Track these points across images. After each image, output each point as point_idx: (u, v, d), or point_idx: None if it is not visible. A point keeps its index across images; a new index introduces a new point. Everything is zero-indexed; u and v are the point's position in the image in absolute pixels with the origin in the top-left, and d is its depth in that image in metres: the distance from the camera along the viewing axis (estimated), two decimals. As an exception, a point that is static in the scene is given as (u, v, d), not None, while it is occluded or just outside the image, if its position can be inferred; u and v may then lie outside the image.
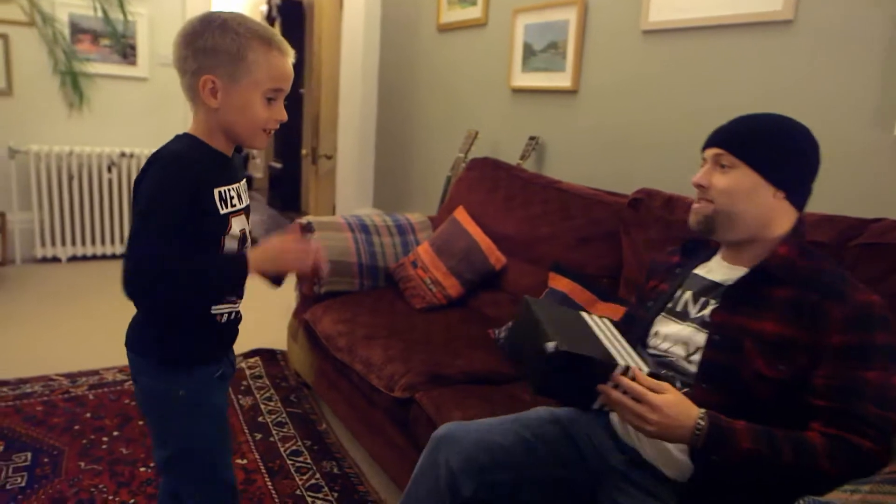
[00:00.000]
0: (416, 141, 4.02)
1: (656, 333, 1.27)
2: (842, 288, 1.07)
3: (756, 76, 1.92)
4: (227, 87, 1.03)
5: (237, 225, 1.10)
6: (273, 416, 2.19)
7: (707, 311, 1.18)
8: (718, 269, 1.24)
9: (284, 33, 5.90)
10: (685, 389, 1.13)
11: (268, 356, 2.66)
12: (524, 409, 1.52)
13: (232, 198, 1.09)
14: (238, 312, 1.19)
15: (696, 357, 1.15)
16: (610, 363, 1.03)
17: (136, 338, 1.14)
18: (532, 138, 2.79)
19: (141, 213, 0.99)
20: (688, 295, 1.25)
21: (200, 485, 1.17)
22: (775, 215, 1.17)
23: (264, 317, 2.64)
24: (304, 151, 3.85)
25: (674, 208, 1.77)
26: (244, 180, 1.17)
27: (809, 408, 1.05)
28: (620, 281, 1.87)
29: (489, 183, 2.38)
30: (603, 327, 1.16)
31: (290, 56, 1.08)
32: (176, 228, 0.99)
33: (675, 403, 1.01)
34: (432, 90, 3.72)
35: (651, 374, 1.05)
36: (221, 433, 1.19)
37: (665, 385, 1.03)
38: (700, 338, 1.16)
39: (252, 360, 2.65)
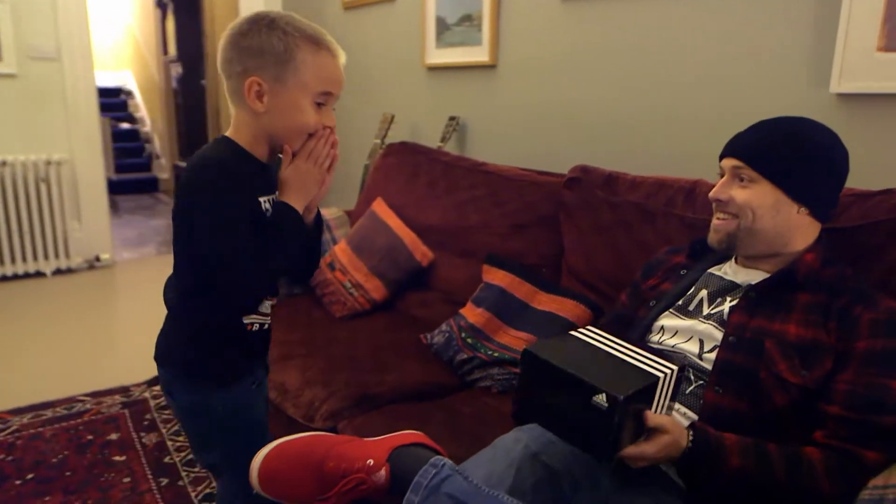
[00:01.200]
0: (339, 128, 3.78)
1: (661, 329, 1.18)
2: (870, 293, 1.03)
3: (687, 40, 1.78)
4: (273, 90, 0.98)
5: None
6: (182, 455, 1.91)
7: (725, 308, 1.10)
8: (737, 271, 1.17)
9: (177, 18, 5.46)
10: (699, 383, 1.06)
11: (176, 381, 2.36)
12: (465, 425, 1.34)
13: (267, 210, 1.04)
14: (268, 324, 1.15)
15: (713, 356, 1.07)
16: (653, 382, 0.91)
17: (167, 353, 1.13)
18: (452, 119, 2.64)
19: (210, 226, 0.95)
20: (703, 294, 1.17)
21: (246, 490, 1.09)
22: (798, 231, 1.10)
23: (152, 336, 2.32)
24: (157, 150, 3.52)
25: (615, 187, 1.61)
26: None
27: (819, 415, 0.96)
28: (562, 269, 1.71)
29: (408, 169, 2.16)
30: (610, 342, 1.00)
31: (341, 57, 1.02)
32: (239, 231, 0.96)
33: (670, 443, 0.93)
34: (349, 73, 3.45)
35: (680, 372, 0.96)
36: (263, 441, 1.10)
37: (664, 423, 0.93)
38: (718, 335, 1.08)
39: (156, 387, 2.34)
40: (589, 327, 1.04)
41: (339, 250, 2.07)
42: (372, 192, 2.27)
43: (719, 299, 1.14)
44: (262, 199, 1.03)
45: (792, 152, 1.07)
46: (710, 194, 1.14)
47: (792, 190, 1.07)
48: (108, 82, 6.83)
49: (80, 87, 3.56)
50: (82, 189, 3.66)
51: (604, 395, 0.85)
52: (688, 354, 1.11)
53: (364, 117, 3.34)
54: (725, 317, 1.10)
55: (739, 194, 1.10)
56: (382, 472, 0.92)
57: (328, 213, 2.33)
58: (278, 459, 0.98)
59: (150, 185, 6.37)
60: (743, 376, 1.02)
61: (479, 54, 2.53)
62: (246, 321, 1.09)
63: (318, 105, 1.01)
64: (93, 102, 3.64)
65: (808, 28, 1.54)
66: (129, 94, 6.95)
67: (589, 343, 0.99)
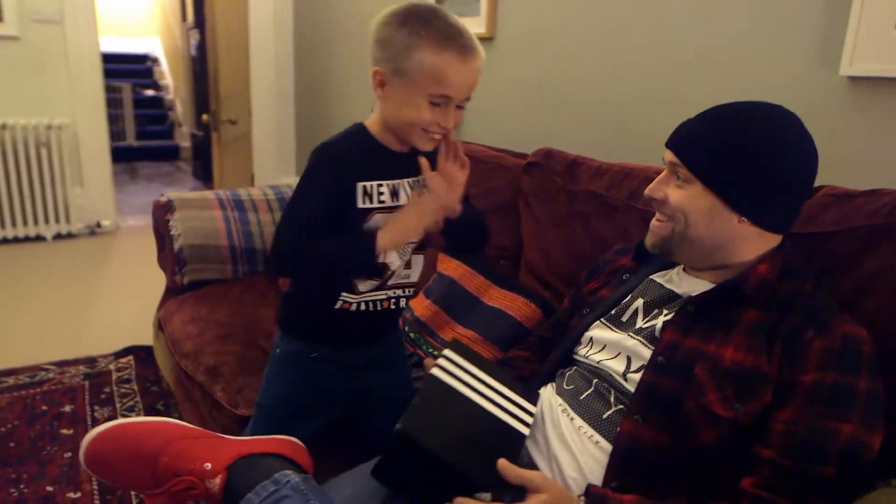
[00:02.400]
0: (335, 101, 3.72)
1: (590, 340, 1.04)
2: (826, 315, 0.86)
3: (689, 15, 1.61)
4: (391, 82, 1.01)
5: (381, 221, 1.05)
6: (129, 432, 1.86)
7: (658, 323, 0.95)
8: (681, 279, 1.01)
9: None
10: (619, 407, 0.92)
11: (144, 355, 2.31)
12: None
13: (381, 193, 1.05)
14: (378, 303, 1.12)
15: (638, 377, 0.92)
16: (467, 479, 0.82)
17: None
18: None
19: (290, 197, 1.06)
20: (638, 303, 1.01)
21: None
22: (743, 242, 0.93)
23: (145, 306, 2.27)
24: (204, 117, 3.44)
25: (576, 174, 1.45)
26: (415, 177, 1.08)
27: (751, 458, 0.81)
28: (521, 263, 1.56)
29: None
30: (478, 379, 0.92)
31: (472, 61, 0.99)
32: (312, 218, 1.01)
33: (550, 502, 0.80)
34: (348, 43, 3.38)
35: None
36: (286, 405, 1.16)
37: (537, 480, 0.82)
38: (646, 353, 0.93)
39: (125, 359, 2.30)
40: (453, 353, 0.94)
41: (302, 229, 1.96)
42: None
43: (655, 311, 0.99)
44: (366, 184, 1.04)
45: (730, 154, 0.89)
46: (646, 190, 0.98)
47: (728, 198, 0.90)
48: (135, 48, 6.86)
49: (84, 52, 3.52)
50: (84, 154, 3.64)
51: (489, 494, 0.80)
52: (612, 373, 0.96)
53: (359, 90, 3.23)
54: (658, 333, 0.94)
55: (674, 194, 0.93)
56: (217, 479, 0.82)
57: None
58: (112, 442, 0.88)
59: (172, 153, 6.40)
60: (667, 405, 0.87)
61: (477, 25, 2.38)
62: (342, 298, 1.09)
63: (435, 104, 0.99)
64: (96, 67, 3.60)
65: (817, 2, 1.36)
66: (154, 60, 6.96)
67: (461, 398, 0.89)
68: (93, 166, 3.69)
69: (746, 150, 0.88)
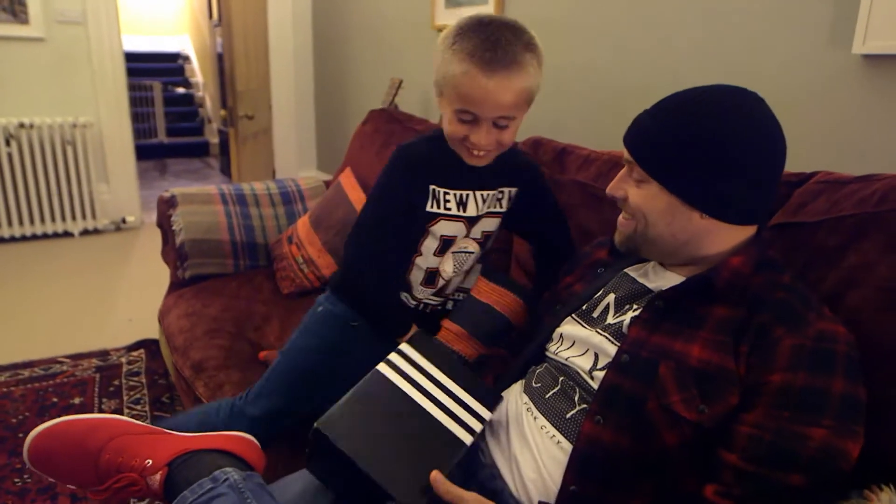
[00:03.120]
0: (351, 94, 3.72)
1: (560, 337, 0.99)
2: (800, 310, 0.80)
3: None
4: (438, 95, 1.03)
5: (445, 228, 1.10)
6: (133, 424, 1.89)
7: (626, 319, 0.90)
8: (656, 274, 0.96)
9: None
10: (583, 407, 0.87)
11: (154, 348, 2.35)
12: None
13: (447, 201, 1.08)
14: (434, 306, 1.20)
15: (603, 374, 0.87)
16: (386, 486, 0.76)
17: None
18: None
19: (371, 191, 1.12)
20: (610, 299, 0.97)
21: (261, 383, 1.18)
22: (710, 236, 0.88)
23: (161, 300, 2.30)
24: (221, 112, 3.49)
25: (565, 164, 1.40)
26: (490, 192, 1.12)
27: (715, 463, 0.76)
28: (511, 257, 1.52)
29: (382, 138, 2.00)
30: (428, 376, 0.88)
31: (498, 77, 0.95)
32: (386, 217, 1.06)
33: None
34: (362, 37, 3.38)
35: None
36: (307, 361, 1.17)
37: (470, 501, 0.75)
38: (611, 350, 0.88)
39: (136, 353, 2.34)
40: (409, 347, 0.89)
41: (301, 223, 1.96)
42: (346, 161, 2.14)
43: (626, 306, 0.94)
44: (437, 188, 1.07)
45: (681, 148, 0.83)
46: (607, 189, 0.93)
47: (685, 195, 0.84)
48: (167, 47, 7.00)
49: (106, 52, 3.59)
50: (109, 152, 3.73)
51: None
52: (578, 371, 0.92)
53: (374, 82, 3.21)
54: (625, 329, 0.89)
55: (633, 194, 0.89)
56: (158, 476, 0.80)
57: (304, 183, 2.22)
58: (56, 438, 0.88)
59: (202, 149, 6.51)
60: (628, 406, 0.82)
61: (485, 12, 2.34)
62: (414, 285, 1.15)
63: (464, 121, 1.00)
64: (119, 66, 3.67)
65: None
66: (186, 58, 7.09)
67: (402, 398, 0.84)
68: (117, 163, 3.77)
69: (697, 141, 0.82)
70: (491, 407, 0.88)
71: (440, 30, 2.64)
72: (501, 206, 1.17)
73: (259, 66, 3.83)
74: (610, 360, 0.87)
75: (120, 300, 2.91)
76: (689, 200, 0.85)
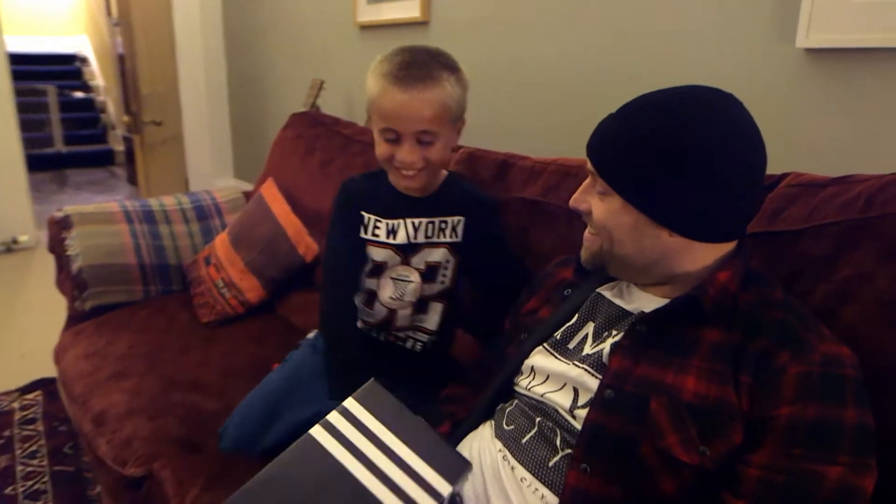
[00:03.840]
0: (270, 96, 3.51)
1: (531, 370, 0.88)
2: (801, 332, 0.71)
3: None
4: (368, 122, 1.18)
5: (375, 254, 1.13)
6: (29, 483, 1.63)
7: (605, 347, 0.80)
8: (632, 293, 0.86)
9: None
10: (567, 452, 0.77)
11: (53, 388, 2.07)
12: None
13: (377, 228, 1.12)
14: (390, 341, 1.19)
15: (585, 413, 0.76)
16: None
17: None
18: None
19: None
20: (589, 328, 0.86)
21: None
22: (683, 253, 0.78)
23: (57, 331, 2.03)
24: (124, 118, 3.19)
25: (507, 178, 1.27)
26: (423, 219, 1.13)
27: None
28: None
29: (306, 144, 1.83)
30: (375, 441, 0.71)
31: (414, 91, 1.00)
32: (337, 247, 1.16)
33: None
34: (279, 35, 3.18)
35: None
36: (288, 382, 1.17)
37: None
38: (593, 384, 0.78)
39: (31, 395, 2.05)
40: (356, 404, 0.73)
41: (219, 241, 1.76)
42: (267, 170, 1.95)
43: (605, 333, 0.83)
44: (367, 215, 1.12)
45: (644, 158, 0.74)
46: (570, 201, 0.84)
47: (651, 212, 0.76)
48: (61, 48, 6.45)
49: (-14, 52, 3.20)
50: (-6, 165, 3.33)
51: None
52: (557, 408, 0.80)
53: (294, 83, 3.02)
54: (605, 358, 0.79)
55: (596, 208, 0.81)
56: None
57: (221, 195, 2.01)
58: None
59: (105, 158, 6.03)
60: (618, 450, 0.72)
61: (410, 9, 2.21)
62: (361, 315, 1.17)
63: (389, 140, 1.03)
64: (2, 69, 3.28)
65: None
66: (83, 60, 6.56)
67: (337, 471, 0.68)
68: (4, 176, 3.38)
69: (665, 150, 0.73)
70: (454, 479, 0.71)
71: (363, 27, 2.49)
72: (446, 237, 1.14)
73: (165, 67, 3.53)
74: (592, 395, 0.76)
75: (11, 333, 2.57)
76: (656, 217, 0.75)
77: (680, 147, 0.72)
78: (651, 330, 0.77)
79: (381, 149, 1.05)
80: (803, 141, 1.23)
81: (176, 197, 1.95)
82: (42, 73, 5.96)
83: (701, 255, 0.78)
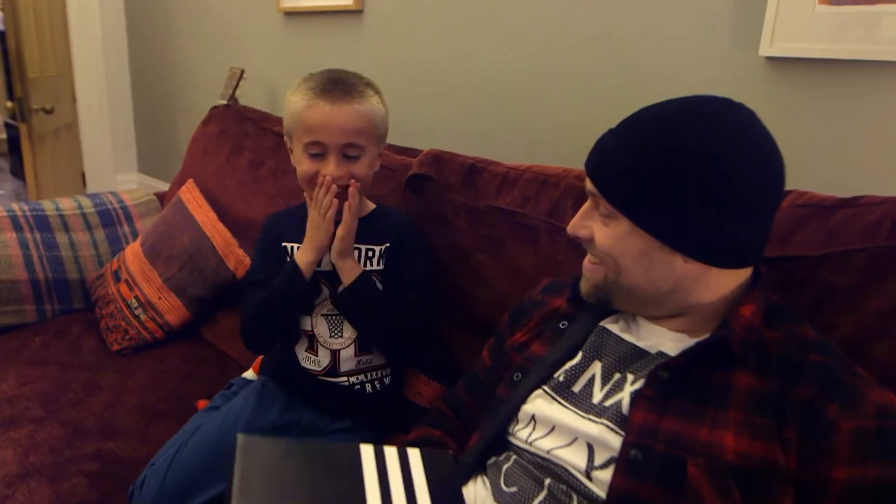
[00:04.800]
0: (179, 86, 3.22)
1: (531, 419, 0.76)
2: (847, 378, 0.64)
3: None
4: (288, 145, 1.09)
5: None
6: None
7: (625, 396, 0.69)
8: (641, 327, 0.77)
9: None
10: None
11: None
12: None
13: (298, 252, 1.07)
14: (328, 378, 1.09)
15: (607, 475, 0.65)
16: None
17: None
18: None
19: None
20: (595, 368, 0.75)
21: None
22: (700, 283, 0.71)
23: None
24: (8, 104, 2.80)
25: (478, 185, 1.14)
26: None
27: None
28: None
29: (231, 141, 1.62)
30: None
31: (341, 103, 1.00)
32: (256, 280, 1.10)
33: None
34: (191, 18, 2.91)
35: None
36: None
37: None
38: (615, 442, 0.67)
39: None
40: (419, 454, 0.68)
41: (130, 253, 1.52)
42: (186, 170, 1.73)
43: (617, 376, 0.73)
44: (290, 245, 1.10)
45: (652, 173, 0.67)
46: (568, 228, 0.75)
47: (664, 235, 0.68)
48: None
49: None
50: None
51: None
52: (570, 469, 0.69)
53: (216, 73, 2.76)
54: (625, 409, 0.68)
55: (599, 233, 0.73)
56: None
57: (130, 198, 1.76)
58: None
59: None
60: None
61: (342, -6, 2.04)
62: (299, 355, 1.10)
63: (313, 156, 1.01)
64: None
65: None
66: (-46, 36, 5.81)
67: (352, 481, 0.64)
68: None
69: (676, 167, 0.66)
70: None
71: (288, 13, 2.29)
72: (373, 265, 1.09)
73: (57, 48, 3.14)
74: (614, 454, 0.66)
75: None
76: (668, 241, 0.67)
77: (693, 162, 0.65)
78: (674, 376, 0.67)
79: (304, 166, 1.03)
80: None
81: (75, 199, 1.69)
82: None
83: (717, 284, 0.70)
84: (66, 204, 1.66)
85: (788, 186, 0.88)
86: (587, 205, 0.74)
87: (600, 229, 0.72)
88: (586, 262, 0.76)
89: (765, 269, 0.74)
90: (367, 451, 0.67)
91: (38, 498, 0.96)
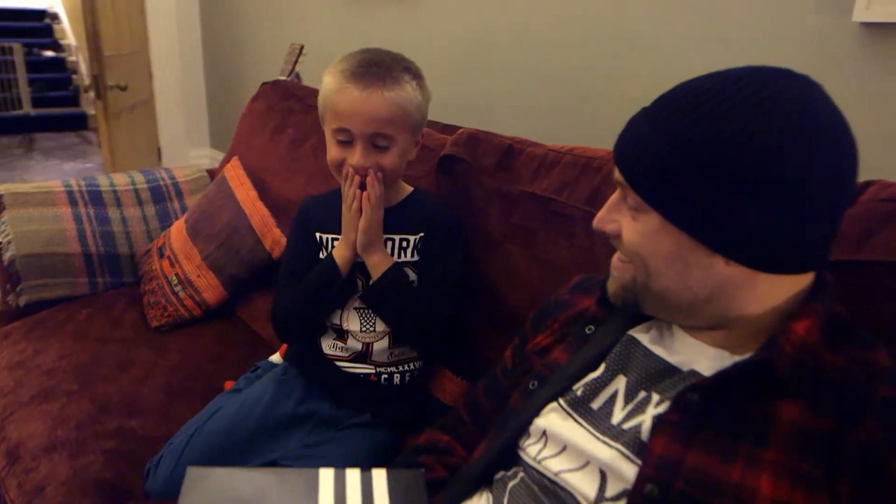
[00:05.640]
0: (246, 62, 3.28)
1: (542, 434, 0.68)
2: None
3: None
4: (322, 124, 1.03)
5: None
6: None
7: (646, 419, 0.60)
8: (675, 339, 0.66)
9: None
10: None
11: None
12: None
13: (335, 247, 1.03)
14: (369, 375, 1.04)
15: None
16: None
17: None
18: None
19: None
20: (619, 384, 0.65)
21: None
22: (745, 290, 0.59)
23: None
24: (86, 82, 2.92)
25: (513, 168, 1.05)
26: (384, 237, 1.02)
27: None
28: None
29: (276, 119, 1.59)
30: None
31: (372, 90, 0.93)
32: (291, 268, 1.09)
33: None
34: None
35: None
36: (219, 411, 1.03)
37: None
38: (629, 472, 0.58)
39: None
40: (385, 472, 0.63)
41: (175, 230, 1.53)
42: (234, 148, 1.72)
43: (642, 395, 0.63)
44: (322, 235, 1.06)
45: (685, 162, 0.56)
46: (594, 221, 0.65)
47: (697, 230, 0.57)
48: (29, 3, 6.06)
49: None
50: (-57, 129, 3.05)
51: None
52: (578, 498, 0.60)
53: (276, 49, 2.77)
54: (645, 436, 0.59)
55: (627, 229, 0.63)
56: None
57: (182, 174, 1.78)
58: None
59: (78, 122, 5.69)
60: None
61: (400, -32, 1.97)
62: (326, 350, 1.06)
63: (341, 143, 0.97)
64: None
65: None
66: (54, 17, 6.17)
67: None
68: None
69: (714, 153, 0.55)
70: None
71: (348, -14, 2.25)
72: (407, 256, 1.03)
73: (134, 26, 3.24)
74: (627, 485, 0.57)
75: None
76: (706, 240, 0.57)
77: (736, 150, 0.54)
78: (707, 401, 0.57)
79: (332, 152, 0.98)
80: (855, 126, 1.04)
81: (129, 175, 1.71)
82: (7, 29, 5.59)
83: (767, 293, 0.59)
84: (120, 179, 1.69)
85: (875, 176, 0.76)
86: (616, 195, 0.64)
87: (629, 224, 0.62)
88: (615, 259, 0.67)
89: (831, 276, 0.62)
90: (326, 475, 0.62)
91: (58, 472, 0.97)
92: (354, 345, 1.03)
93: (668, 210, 0.58)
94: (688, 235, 0.58)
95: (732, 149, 0.54)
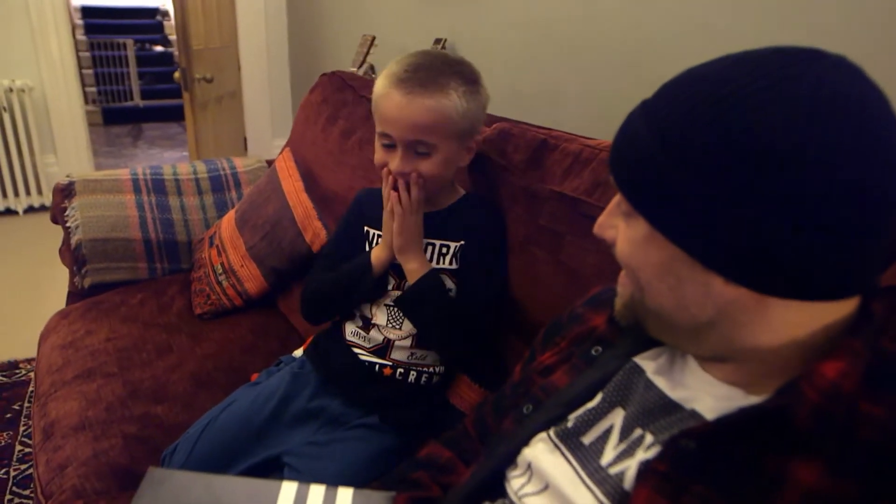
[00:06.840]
0: (325, 55, 3.33)
1: (528, 467, 0.61)
2: None
3: None
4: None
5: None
6: (23, 468, 1.53)
7: (631, 465, 0.52)
8: (685, 370, 0.57)
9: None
10: None
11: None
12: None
13: (377, 244, 1.03)
14: (387, 370, 1.01)
15: None
16: None
17: None
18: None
19: None
20: (616, 418, 0.57)
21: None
22: (749, 316, 0.48)
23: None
24: (175, 74, 3.08)
25: (544, 164, 0.96)
26: (425, 241, 1.00)
27: None
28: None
29: (329, 110, 1.58)
30: None
31: (415, 96, 0.91)
32: (332, 253, 1.10)
33: None
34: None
35: None
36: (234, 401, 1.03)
37: None
38: None
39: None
40: (351, 493, 0.59)
41: (226, 220, 1.56)
42: (291, 139, 1.73)
43: (637, 432, 0.54)
44: (370, 230, 1.06)
45: (684, 159, 0.46)
46: (594, 227, 0.57)
47: (685, 241, 0.48)
48: (142, 1, 6.51)
49: (47, 6, 3.14)
50: (55, 119, 3.31)
51: None
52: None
53: (349, 41, 2.79)
54: (628, 485, 0.50)
55: (620, 236, 0.54)
56: None
57: (242, 164, 1.81)
58: None
59: (181, 113, 6.06)
60: None
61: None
62: (349, 338, 1.05)
63: (385, 146, 0.96)
64: (63, 21, 3.23)
65: None
66: (164, 14, 6.59)
67: None
68: (65, 131, 3.36)
69: (713, 150, 0.44)
70: None
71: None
72: (446, 263, 0.99)
73: (223, 21, 3.38)
74: None
75: (59, 289, 2.54)
76: (696, 253, 0.47)
77: (748, 145, 0.43)
78: (705, 449, 0.47)
79: (378, 155, 0.97)
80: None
81: (192, 165, 1.77)
82: (123, 26, 6.03)
83: (783, 322, 0.47)
84: (183, 169, 1.74)
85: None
86: (615, 200, 0.55)
87: (622, 231, 0.53)
88: (621, 272, 0.58)
89: (881, 305, 0.50)
90: (288, 489, 0.58)
91: (80, 453, 1.00)
92: (377, 336, 1.01)
93: (654, 215, 0.49)
94: (676, 246, 0.48)
95: (740, 148, 0.44)
